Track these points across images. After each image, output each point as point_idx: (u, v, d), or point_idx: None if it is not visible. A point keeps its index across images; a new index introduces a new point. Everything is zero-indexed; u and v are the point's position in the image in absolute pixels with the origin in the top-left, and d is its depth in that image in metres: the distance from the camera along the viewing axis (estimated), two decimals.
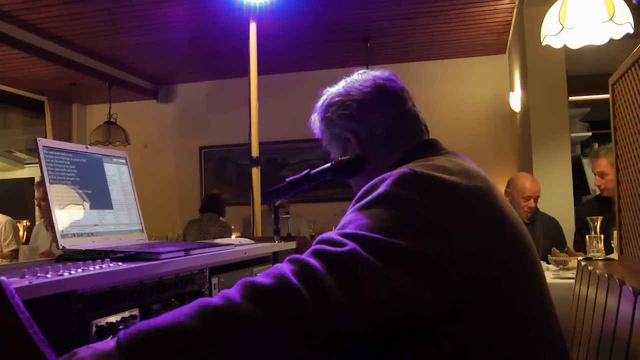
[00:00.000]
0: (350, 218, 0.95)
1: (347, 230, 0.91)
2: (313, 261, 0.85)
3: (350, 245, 0.86)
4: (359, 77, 1.22)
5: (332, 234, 0.91)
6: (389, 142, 1.17)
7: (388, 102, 1.18)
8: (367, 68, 1.25)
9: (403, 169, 0.98)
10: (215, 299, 0.83)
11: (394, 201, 0.93)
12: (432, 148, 1.15)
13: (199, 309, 0.81)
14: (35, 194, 4.17)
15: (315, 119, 1.27)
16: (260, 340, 0.80)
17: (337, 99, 1.21)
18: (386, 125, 1.17)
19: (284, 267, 0.86)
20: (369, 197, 0.96)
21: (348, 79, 1.24)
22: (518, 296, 0.95)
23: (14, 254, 4.27)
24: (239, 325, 0.80)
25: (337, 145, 1.24)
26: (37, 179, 6.05)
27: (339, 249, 0.86)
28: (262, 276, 0.86)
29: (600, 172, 3.28)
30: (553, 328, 1.00)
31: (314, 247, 0.90)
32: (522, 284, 0.97)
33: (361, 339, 0.87)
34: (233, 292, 0.83)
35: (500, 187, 3.57)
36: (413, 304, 0.87)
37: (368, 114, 1.18)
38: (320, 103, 1.25)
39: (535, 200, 3.48)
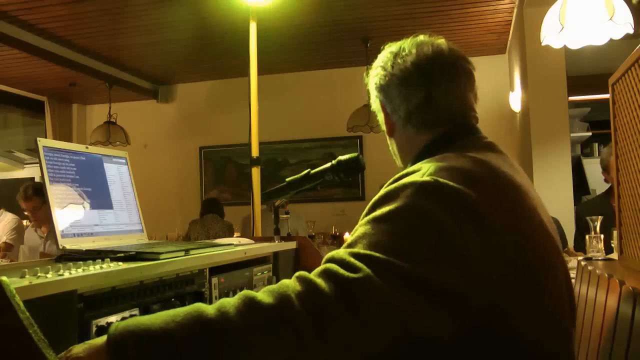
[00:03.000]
0: (365, 231, 0.88)
1: (361, 251, 0.84)
2: (323, 284, 0.80)
3: (365, 270, 0.81)
4: (409, 48, 1.14)
5: (344, 254, 0.85)
6: (410, 125, 1.13)
7: (415, 84, 1.11)
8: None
9: (425, 177, 0.91)
10: (211, 308, 0.81)
11: (414, 217, 0.87)
12: (466, 134, 1.10)
13: (192, 318, 0.79)
14: (22, 206, 4.05)
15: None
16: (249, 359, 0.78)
17: (382, 63, 1.17)
18: (408, 108, 1.12)
19: (290, 287, 0.82)
20: (387, 208, 0.89)
21: (403, 45, 1.16)
22: (532, 330, 0.90)
23: (7, 247, 4.29)
24: (229, 342, 0.78)
25: (378, 109, 1.21)
26: (37, 179, 6.05)
27: (352, 275, 0.80)
28: (265, 292, 0.82)
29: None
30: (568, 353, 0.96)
31: (325, 266, 0.84)
32: (538, 316, 0.92)
33: None
34: (231, 304, 0.80)
35: None
36: (425, 335, 0.83)
37: (395, 91, 1.13)
38: (375, 62, 1.20)
39: None
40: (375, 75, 1.18)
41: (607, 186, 3.40)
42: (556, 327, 0.95)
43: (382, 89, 1.16)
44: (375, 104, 1.21)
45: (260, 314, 0.79)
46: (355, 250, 0.85)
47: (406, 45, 1.15)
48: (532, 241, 0.95)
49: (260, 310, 0.79)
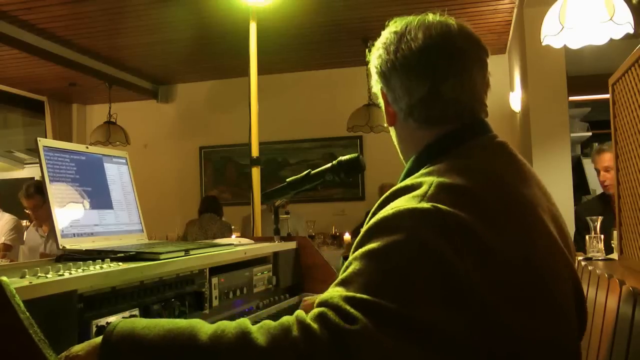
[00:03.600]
0: (360, 268, 0.81)
1: (357, 295, 0.77)
2: (317, 332, 0.75)
3: (361, 321, 0.74)
4: (415, 30, 1.01)
5: (339, 300, 0.77)
6: (412, 119, 1.01)
7: (421, 76, 0.99)
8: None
9: (425, 205, 0.82)
10: (205, 334, 0.78)
11: (414, 254, 0.79)
12: (475, 133, 1.01)
13: (185, 340, 0.77)
14: (24, 203, 4.08)
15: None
16: None
17: (382, 48, 1.04)
18: (410, 102, 1.00)
19: (286, 329, 0.77)
20: (385, 242, 0.81)
21: (410, 25, 1.03)
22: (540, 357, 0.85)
23: (6, 248, 4.29)
24: None
25: (378, 93, 1.08)
26: (37, 179, 6.05)
27: (347, 326, 0.74)
28: (262, 330, 0.78)
29: (606, 167, 3.26)
30: None
31: (321, 310, 0.78)
32: (546, 353, 0.86)
33: None
34: (225, 334, 0.77)
35: None
36: None
37: (397, 81, 1.01)
38: (378, 40, 1.08)
39: None
40: (377, 57, 1.05)
41: None
42: (565, 351, 0.91)
43: (383, 74, 1.03)
44: (376, 88, 1.08)
45: (250, 355, 0.76)
46: (351, 294, 0.78)
47: (413, 26, 1.02)
48: (541, 266, 0.88)
49: (252, 351, 0.76)
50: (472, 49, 1.01)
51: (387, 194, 0.91)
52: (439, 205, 0.82)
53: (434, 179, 0.87)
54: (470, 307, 0.78)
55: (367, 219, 0.89)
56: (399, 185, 0.92)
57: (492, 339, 0.80)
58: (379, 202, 0.91)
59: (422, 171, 0.93)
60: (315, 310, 0.78)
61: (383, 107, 1.08)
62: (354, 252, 0.85)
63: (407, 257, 0.79)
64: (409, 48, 0.99)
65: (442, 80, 0.98)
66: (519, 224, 0.88)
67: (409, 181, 0.91)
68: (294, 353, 0.74)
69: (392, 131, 1.10)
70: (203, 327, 0.79)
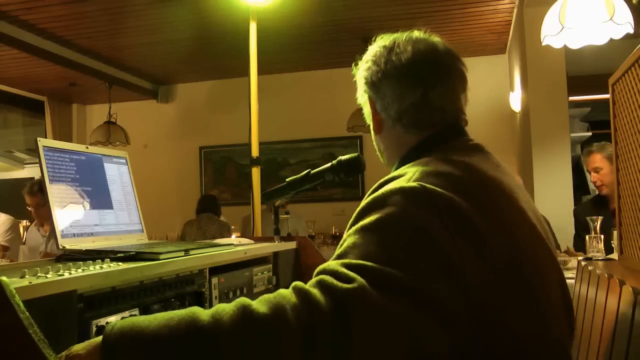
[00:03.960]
0: (355, 241, 0.86)
1: (354, 261, 0.82)
2: (318, 296, 0.79)
3: (358, 281, 0.79)
4: (405, 45, 1.09)
5: (336, 265, 0.83)
6: (400, 125, 1.09)
7: (411, 84, 1.07)
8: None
9: (411, 182, 0.89)
10: (206, 315, 0.80)
11: (405, 225, 0.85)
12: (454, 137, 1.09)
13: (186, 324, 0.79)
14: (26, 200, 4.08)
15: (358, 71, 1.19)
16: None
17: (373, 58, 1.12)
18: (400, 108, 1.08)
19: (286, 297, 0.80)
20: (376, 217, 0.87)
21: (398, 40, 1.11)
22: (526, 339, 0.89)
23: (3, 249, 4.28)
24: (220, 351, 0.77)
25: (365, 103, 1.16)
26: (37, 179, 6.05)
27: (346, 286, 0.79)
28: (261, 302, 0.81)
29: (595, 168, 3.30)
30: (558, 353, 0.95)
31: (318, 277, 0.82)
32: (533, 325, 0.90)
33: None
34: (225, 312, 0.79)
35: None
36: (420, 347, 0.81)
37: (388, 89, 1.09)
38: (368, 51, 1.16)
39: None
40: (366, 69, 1.13)
41: None
42: (551, 332, 0.94)
43: (373, 85, 1.11)
44: (363, 99, 1.16)
45: (254, 324, 0.78)
46: (347, 260, 0.83)
47: (401, 41, 1.10)
48: (524, 248, 0.94)
49: (254, 321, 0.78)
50: (455, 62, 1.12)
51: (375, 185, 0.96)
52: (425, 185, 0.88)
53: (418, 168, 0.95)
54: (457, 276, 0.83)
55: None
56: (385, 177, 0.98)
57: (474, 309, 0.84)
58: (368, 193, 0.96)
59: (406, 165, 1.00)
60: (314, 279, 0.83)
61: (370, 116, 1.15)
62: (348, 231, 0.91)
63: (398, 228, 0.85)
64: (399, 59, 1.08)
65: (430, 88, 1.07)
66: (502, 209, 0.94)
67: (395, 173, 0.97)
68: (296, 317, 0.77)
69: (377, 138, 1.17)
70: (202, 311, 0.81)
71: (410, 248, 0.83)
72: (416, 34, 1.12)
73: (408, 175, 0.93)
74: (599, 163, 3.26)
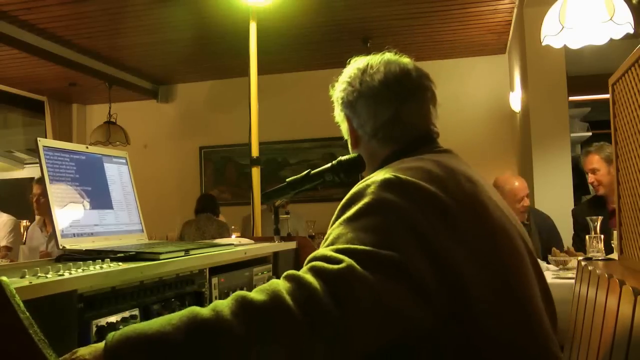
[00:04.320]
0: (339, 232, 0.93)
1: (340, 246, 0.89)
2: (310, 279, 0.83)
3: (346, 260, 0.85)
4: (378, 65, 1.19)
5: (325, 251, 0.89)
6: (376, 140, 1.18)
7: (385, 102, 1.17)
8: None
9: (386, 175, 0.97)
10: (206, 310, 0.82)
11: (383, 210, 0.92)
12: (425, 145, 1.15)
13: (187, 321, 0.80)
14: (34, 189, 4.11)
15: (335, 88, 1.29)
16: (244, 358, 0.79)
17: (348, 79, 1.22)
18: (375, 125, 1.17)
19: (280, 284, 0.85)
20: (356, 208, 0.94)
21: (371, 62, 1.21)
22: (502, 316, 0.93)
23: (6, 250, 4.28)
24: (224, 342, 0.79)
25: (342, 121, 1.26)
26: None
27: (335, 267, 0.84)
28: (257, 292, 0.84)
29: (592, 169, 3.29)
30: (538, 336, 0.99)
31: (310, 264, 0.87)
32: (507, 300, 0.95)
33: (353, 358, 0.85)
34: (224, 305, 0.82)
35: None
36: (407, 319, 0.86)
37: (364, 108, 1.18)
38: (343, 74, 1.26)
39: (527, 197, 3.48)
40: (342, 90, 1.22)
41: None
42: (526, 310, 0.98)
43: (349, 104, 1.20)
44: (340, 117, 1.25)
45: (255, 312, 0.80)
46: (335, 246, 0.89)
47: (374, 62, 1.20)
48: (495, 229, 1.00)
49: (254, 309, 0.81)
50: (423, 81, 1.20)
51: (352, 190, 1.02)
52: (399, 175, 0.96)
53: (391, 167, 1.03)
54: (434, 254, 0.89)
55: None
56: (361, 180, 1.04)
57: (448, 283, 0.89)
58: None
59: (379, 170, 1.06)
60: (306, 266, 0.88)
61: (347, 133, 1.26)
62: (331, 226, 0.97)
63: (377, 213, 0.92)
64: (373, 80, 1.17)
65: (402, 106, 1.16)
66: (471, 194, 1.01)
67: (369, 176, 1.03)
68: (294, 300, 0.81)
69: (355, 152, 1.27)
70: (200, 308, 0.84)
71: (390, 229, 0.90)
72: (388, 55, 1.21)
73: (382, 172, 1.00)
74: (596, 164, 3.27)
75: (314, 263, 0.87)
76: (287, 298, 0.81)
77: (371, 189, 0.95)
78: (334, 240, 0.92)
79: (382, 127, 1.17)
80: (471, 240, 0.94)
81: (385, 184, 0.95)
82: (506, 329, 0.93)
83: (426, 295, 0.87)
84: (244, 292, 0.84)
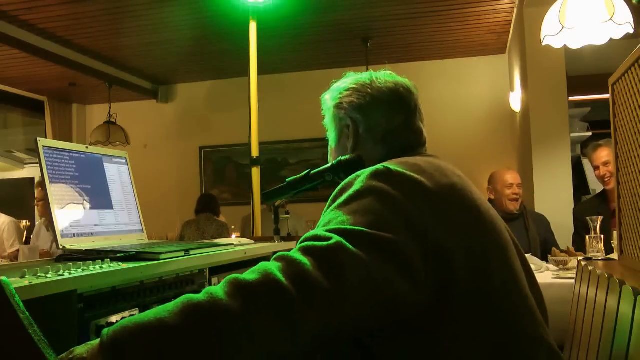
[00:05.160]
0: (331, 217, 0.96)
1: (332, 226, 0.92)
2: (300, 256, 0.86)
3: (335, 237, 0.88)
4: (384, 77, 1.26)
5: (316, 231, 0.93)
6: (381, 143, 1.22)
7: (398, 109, 1.22)
8: (367, 68, 1.28)
9: (376, 166, 1.02)
10: (200, 295, 0.84)
11: (372, 195, 0.96)
12: (415, 150, 1.21)
13: (182, 306, 0.82)
14: (35, 194, 4.15)
15: (328, 96, 1.32)
16: (243, 336, 0.80)
17: (355, 86, 1.25)
18: (387, 129, 1.21)
19: (271, 264, 0.87)
20: (346, 195, 0.99)
21: (374, 74, 1.27)
22: (490, 291, 0.97)
23: (17, 254, 4.28)
24: (221, 321, 0.80)
25: (335, 127, 1.30)
26: (37, 179, 6.06)
27: (325, 243, 0.88)
28: (248, 273, 0.86)
29: (605, 162, 3.26)
30: (533, 317, 1.02)
31: (300, 244, 0.91)
32: (495, 277, 0.99)
33: (346, 333, 0.89)
34: (217, 288, 0.84)
35: None
36: (395, 294, 0.89)
37: (376, 111, 1.22)
38: (339, 83, 1.30)
39: (519, 187, 3.50)
40: (347, 95, 1.25)
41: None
42: (513, 290, 1.01)
43: (360, 107, 1.23)
44: (340, 122, 1.27)
45: (249, 291, 0.82)
46: (326, 227, 0.93)
47: (376, 75, 1.26)
48: (482, 216, 1.04)
49: (247, 287, 0.83)
50: (417, 97, 1.27)
51: (343, 181, 1.07)
52: (388, 166, 1.01)
53: (382, 163, 1.06)
54: (420, 233, 0.93)
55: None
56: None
57: (438, 268, 0.93)
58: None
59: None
60: (297, 246, 0.91)
61: (341, 138, 1.29)
62: (323, 214, 1.01)
63: (366, 199, 0.96)
64: (385, 86, 1.24)
65: (411, 114, 1.24)
66: (456, 185, 1.05)
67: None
68: (285, 277, 0.83)
69: (341, 153, 1.29)
70: (194, 294, 0.85)
71: (379, 212, 0.94)
72: (383, 72, 1.28)
73: (371, 166, 1.05)
74: (607, 157, 3.24)
75: (304, 243, 0.90)
76: (279, 275, 0.83)
77: (361, 178, 1.00)
78: (326, 224, 0.95)
79: (393, 132, 1.21)
80: (458, 225, 0.99)
81: (374, 173, 1.00)
82: (492, 310, 0.97)
83: (415, 272, 0.90)
84: (235, 274, 0.86)
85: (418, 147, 1.24)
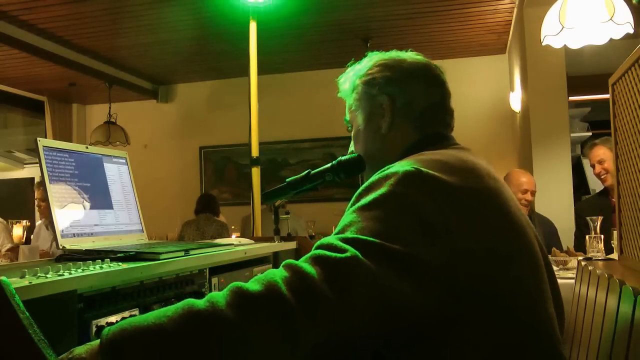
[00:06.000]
0: (351, 219, 0.92)
1: (348, 235, 0.88)
2: (309, 267, 0.83)
3: (351, 251, 0.84)
4: (413, 55, 1.21)
5: (332, 239, 0.89)
6: (419, 121, 1.15)
7: (434, 84, 1.17)
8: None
9: (406, 167, 0.95)
10: (201, 301, 0.82)
11: (397, 203, 0.91)
12: (445, 140, 1.14)
13: (182, 311, 0.81)
14: (35, 194, 4.16)
15: (351, 75, 1.23)
16: (242, 346, 0.79)
17: (385, 62, 1.19)
18: (426, 103, 1.15)
19: (277, 274, 0.84)
20: (371, 197, 0.94)
21: (400, 52, 1.22)
22: (514, 305, 0.93)
23: (11, 253, 4.29)
24: (219, 331, 0.79)
25: (364, 107, 1.20)
26: (37, 179, 6.06)
27: (339, 255, 0.84)
28: (253, 282, 0.84)
29: (600, 160, 3.34)
30: (553, 332, 0.98)
31: (313, 252, 0.88)
32: (519, 291, 0.94)
33: (351, 344, 0.85)
34: (220, 296, 0.82)
35: None
36: (408, 309, 0.85)
37: (414, 85, 1.16)
38: (366, 61, 1.22)
39: (532, 194, 3.51)
40: (379, 70, 1.18)
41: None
42: (535, 301, 0.97)
43: (397, 81, 1.16)
44: (372, 101, 1.19)
45: (250, 302, 0.81)
46: (343, 235, 0.89)
47: (404, 52, 1.22)
48: (510, 223, 0.99)
49: (250, 298, 0.81)
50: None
51: (371, 178, 1.01)
52: (420, 167, 0.95)
53: (413, 158, 1.01)
54: (444, 239, 0.88)
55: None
56: (382, 169, 1.02)
57: (465, 265, 0.89)
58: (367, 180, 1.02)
59: (401, 161, 1.04)
60: (310, 253, 0.88)
61: (384, 117, 1.17)
62: (346, 212, 0.97)
63: (390, 206, 0.91)
64: (418, 62, 1.18)
65: (445, 93, 1.18)
66: (490, 189, 1.00)
67: (389, 165, 1.02)
68: (289, 289, 0.81)
69: (378, 138, 1.20)
70: (196, 300, 0.84)
71: (400, 222, 0.89)
72: (410, 51, 1.23)
73: (403, 162, 0.99)
74: (602, 155, 3.34)
75: (317, 251, 0.87)
76: (283, 287, 0.81)
77: (390, 181, 0.94)
78: (345, 227, 0.92)
79: (431, 109, 1.16)
80: (489, 233, 0.94)
81: (404, 177, 0.94)
82: (511, 319, 0.92)
83: (430, 282, 0.86)
84: (239, 283, 0.84)
85: (449, 130, 1.18)
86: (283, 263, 0.87)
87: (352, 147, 1.32)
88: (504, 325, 0.91)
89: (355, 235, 0.87)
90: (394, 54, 1.21)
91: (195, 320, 0.80)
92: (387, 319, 0.84)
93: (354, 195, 0.99)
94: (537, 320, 0.96)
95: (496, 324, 0.91)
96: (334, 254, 0.84)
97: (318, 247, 0.89)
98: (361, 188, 0.98)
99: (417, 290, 0.85)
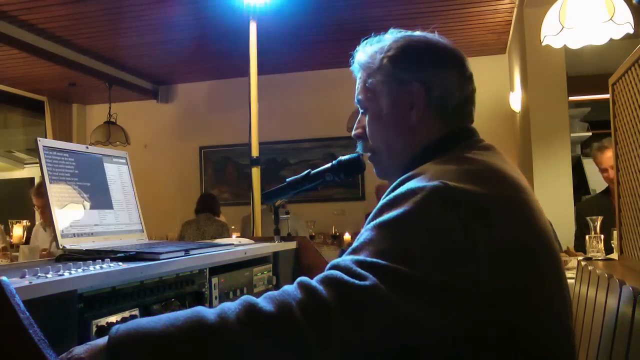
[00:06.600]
0: (372, 236, 0.87)
1: (367, 259, 0.83)
2: (324, 291, 0.79)
3: (371, 279, 0.79)
4: (433, 37, 1.08)
5: (350, 262, 0.83)
6: (449, 115, 1.05)
7: (467, 76, 1.07)
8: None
9: (435, 182, 0.88)
10: (212, 313, 0.80)
11: (422, 224, 0.85)
12: (471, 138, 1.06)
13: (192, 322, 0.79)
14: (33, 201, 4.13)
15: (371, 50, 1.11)
16: None
17: (417, 43, 1.05)
18: (461, 97, 1.05)
19: (291, 294, 0.81)
20: (394, 213, 0.87)
21: (429, 34, 1.08)
22: (536, 328, 0.88)
23: (4, 251, 4.29)
24: (227, 348, 0.77)
25: (392, 92, 1.06)
26: (37, 179, 6.06)
27: (358, 282, 0.79)
28: (266, 299, 0.81)
29: (612, 166, 3.22)
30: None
31: (328, 272, 0.83)
32: (543, 315, 0.90)
33: None
34: (231, 310, 0.80)
35: None
36: (426, 339, 0.82)
37: (449, 76, 1.04)
38: (391, 39, 1.08)
39: None
40: (413, 53, 1.05)
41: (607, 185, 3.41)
42: (560, 325, 0.94)
43: (435, 68, 1.04)
44: (400, 87, 1.05)
45: (261, 322, 0.78)
46: (361, 257, 0.84)
47: (430, 34, 1.10)
48: (539, 238, 0.94)
49: (261, 318, 0.78)
50: None
51: (396, 182, 0.96)
52: (447, 182, 0.88)
53: (439, 166, 0.94)
54: (470, 263, 0.83)
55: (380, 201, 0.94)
56: (407, 174, 0.96)
57: (492, 289, 0.83)
58: (390, 188, 0.96)
59: (427, 163, 0.98)
60: (324, 273, 0.83)
61: (412, 109, 1.05)
62: (367, 225, 0.91)
63: (413, 226, 0.85)
64: (450, 49, 1.07)
65: (473, 85, 1.09)
66: (519, 201, 0.94)
67: (417, 170, 0.96)
68: (303, 313, 0.78)
69: (404, 129, 1.07)
70: (207, 310, 0.82)
71: (423, 245, 0.84)
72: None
73: (429, 173, 0.92)
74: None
75: (334, 273, 0.82)
76: (296, 310, 0.78)
77: (416, 198, 0.87)
78: (364, 244, 0.86)
79: (463, 104, 1.06)
80: (514, 245, 0.88)
81: (431, 194, 0.86)
82: (538, 341, 0.89)
83: (455, 306, 0.82)
84: (252, 299, 0.82)
85: (471, 121, 1.09)
86: (298, 281, 0.83)
87: (356, 131, 1.20)
88: (531, 351, 0.87)
89: (375, 260, 0.82)
90: (420, 34, 1.08)
91: (204, 334, 0.78)
92: (403, 348, 0.81)
93: (378, 206, 0.92)
94: (561, 337, 0.93)
95: (523, 350, 0.87)
96: (351, 280, 0.80)
97: (334, 268, 0.84)
98: (386, 199, 0.92)
99: (440, 319, 0.81)
